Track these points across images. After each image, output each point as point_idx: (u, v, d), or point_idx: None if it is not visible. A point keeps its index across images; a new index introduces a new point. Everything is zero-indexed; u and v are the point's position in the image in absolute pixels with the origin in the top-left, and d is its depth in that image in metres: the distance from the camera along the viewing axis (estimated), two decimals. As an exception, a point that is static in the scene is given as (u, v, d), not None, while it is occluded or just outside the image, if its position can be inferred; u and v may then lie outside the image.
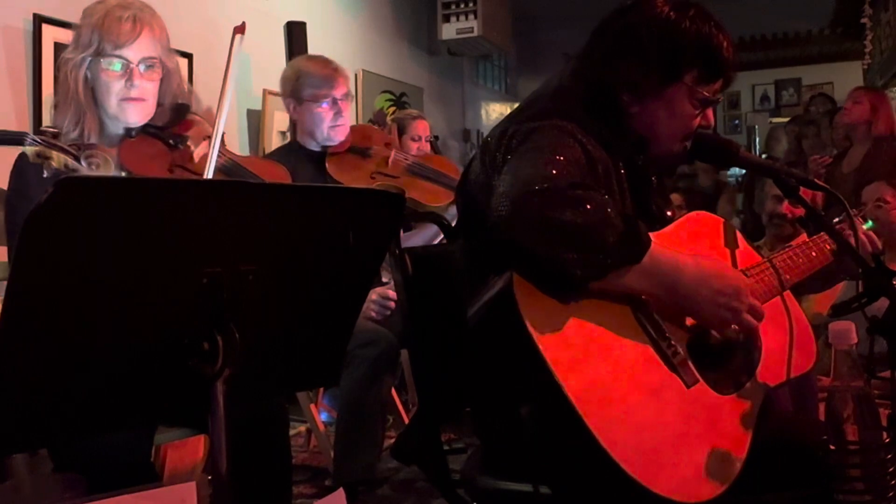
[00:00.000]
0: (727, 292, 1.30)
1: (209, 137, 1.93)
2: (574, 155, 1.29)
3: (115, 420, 1.07)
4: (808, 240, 1.61)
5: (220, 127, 1.84)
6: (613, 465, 1.15)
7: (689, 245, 1.42)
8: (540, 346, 1.18)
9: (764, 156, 5.75)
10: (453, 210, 2.61)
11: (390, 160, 2.75)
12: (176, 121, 1.93)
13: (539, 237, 1.17)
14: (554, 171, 1.22)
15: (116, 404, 1.03)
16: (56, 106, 1.84)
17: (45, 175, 1.67)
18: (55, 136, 1.64)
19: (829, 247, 1.59)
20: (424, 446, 1.54)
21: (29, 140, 1.53)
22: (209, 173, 1.82)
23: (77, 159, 1.61)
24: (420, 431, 1.58)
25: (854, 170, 3.88)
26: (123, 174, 1.86)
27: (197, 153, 1.94)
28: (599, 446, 1.15)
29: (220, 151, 1.99)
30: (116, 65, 1.80)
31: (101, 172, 1.64)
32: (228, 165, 2.06)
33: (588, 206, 1.18)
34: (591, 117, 1.41)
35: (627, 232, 1.21)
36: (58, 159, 1.63)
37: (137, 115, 1.85)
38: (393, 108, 5.55)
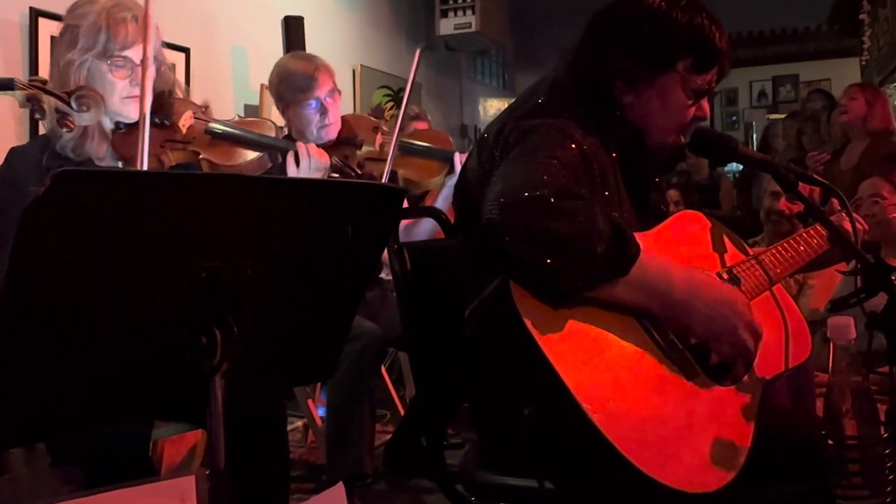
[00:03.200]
0: (722, 300, 1.29)
1: (193, 107, 2.04)
2: (568, 157, 1.29)
3: (112, 414, 1.07)
4: (796, 234, 1.62)
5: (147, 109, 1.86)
6: (620, 459, 1.15)
7: (678, 245, 1.42)
8: (541, 344, 1.18)
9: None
10: (452, 180, 2.56)
11: (377, 144, 2.69)
12: (159, 104, 1.97)
13: (526, 247, 1.18)
14: (545, 177, 1.22)
15: (114, 398, 1.03)
16: None
17: (46, 144, 1.68)
18: (44, 82, 1.65)
19: (816, 240, 1.60)
20: (419, 446, 1.54)
21: (18, 84, 1.53)
22: (143, 161, 1.82)
23: (67, 102, 1.62)
24: (408, 438, 1.58)
25: (852, 167, 3.87)
26: (120, 164, 1.88)
27: (183, 124, 1.98)
28: (606, 441, 1.15)
29: (208, 118, 2.07)
30: (122, 65, 1.82)
31: (93, 114, 1.65)
32: (225, 129, 2.12)
33: (576, 217, 1.19)
34: (586, 112, 1.41)
35: (616, 242, 1.21)
36: (48, 102, 1.64)
37: (138, 112, 1.88)
38: (391, 104, 5.54)
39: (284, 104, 2.73)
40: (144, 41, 1.73)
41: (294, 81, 2.67)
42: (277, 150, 2.24)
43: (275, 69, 2.82)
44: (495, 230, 1.20)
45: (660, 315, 1.29)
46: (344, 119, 2.76)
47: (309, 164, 2.27)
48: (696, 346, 1.33)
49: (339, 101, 2.75)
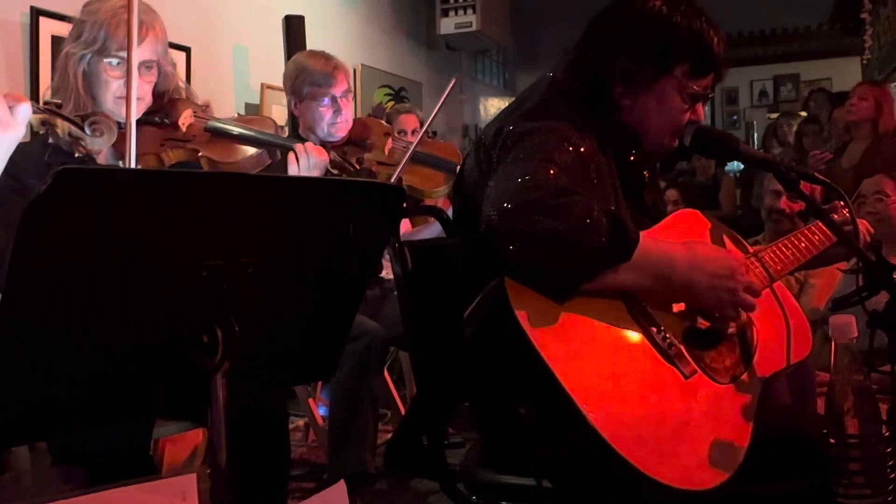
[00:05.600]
0: (722, 273, 1.32)
1: (194, 105, 2.04)
2: (565, 160, 1.30)
3: (114, 412, 1.07)
4: (797, 231, 1.62)
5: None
6: (617, 457, 1.15)
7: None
8: (536, 344, 1.19)
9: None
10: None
11: (386, 149, 2.72)
12: (160, 104, 1.98)
13: (527, 249, 1.20)
14: (542, 180, 1.24)
15: (115, 396, 1.03)
16: (53, 93, 1.85)
17: (49, 141, 1.69)
18: (58, 106, 1.66)
19: (817, 237, 1.60)
20: (420, 445, 1.54)
21: (33, 109, 1.54)
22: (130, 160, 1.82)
23: (81, 128, 1.63)
24: (409, 437, 1.58)
25: (854, 166, 3.87)
26: (120, 163, 1.88)
27: (183, 122, 1.99)
28: (602, 439, 1.15)
29: (207, 116, 2.08)
30: (119, 65, 1.83)
31: (106, 140, 1.66)
32: (224, 126, 2.13)
33: (573, 212, 1.20)
34: (584, 113, 1.42)
35: (614, 231, 1.23)
36: (62, 127, 1.65)
37: (133, 113, 1.88)
38: (392, 103, 5.54)
39: (298, 99, 2.75)
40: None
41: (311, 77, 2.71)
42: (276, 146, 2.24)
43: (291, 64, 2.86)
44: (496, 236, 1.22)
45: (662, 293, 1.31)
46: (357, 121, 2.78)
47: (308, 161, 2.27)
48: (691, 340, 1.33)
49: (351, 101, 2.78)
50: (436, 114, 2.72)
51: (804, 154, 4.76)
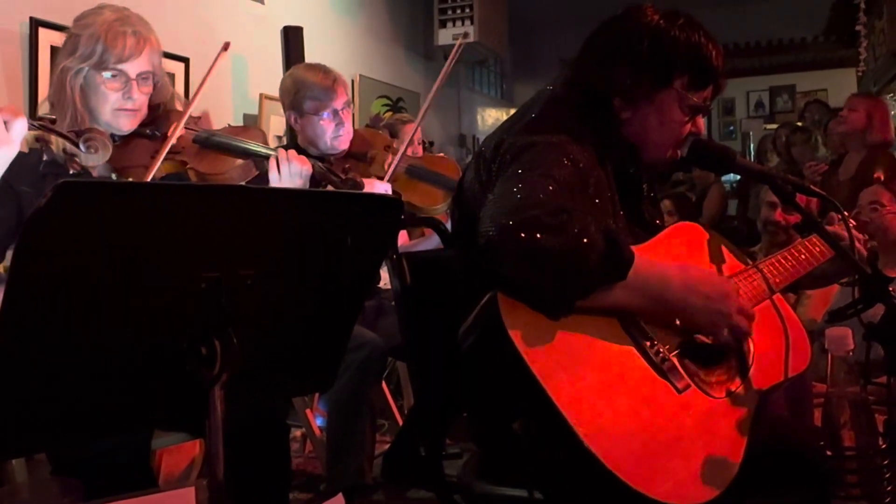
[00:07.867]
0: (715, 296, 1.32)
1: (183, 117, 2.03)
2: (564, 175, 1.31)
3: (112, 424, 1.07)
4: (797, 243, 1.63)
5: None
6: (606, 473, 1.15)
7: (675, 258, 1.43)
8: (527, 360, 1.19)
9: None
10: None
11: (386, 163, 2.70)
12: (153, 116, 1.98)
13: (524, 265, 1.20)
14: (540, 196, 1.24)
15: (114, 408, 1.03)
16: (50, 107, 1.86)
17: (44, 158, 1.70)
18: (52, 121, 1.66)
19: (818, 249, 1.61)
20: (418, 456, 1.54)
21: (28, 125, 1.54)
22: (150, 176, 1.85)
23: (76, 144, 1.63)
24: (407, 448, 1.58)
25: (850, 177, 3.88)
26: (114, 176, 1.88)
27: (173, 133, 1.99)
28: (591, 454, 1.16)
29: (197, 128, 2.09)
30: (116, 77, 1.83)
31: (100, 156, 1.65)
32: (211, 137, 2.12)
33: (569, 231, 1.20)
34: (583, 126, 1.43)
35: (609, 251, 1.23)
36: (56, 143, 1.65)
37: (129, 125, 1.90)
38: (389, 113, 5.55)
39: (298, 114, 2.73)
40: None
41: (311, 91, 2.69)
42: (263, 157, 2.22)
43: (288, 79, 2.82)
44: (493, 251, 1.22)
45: (655, 313, 1.30)
46: (357, 133, 2.76)
47: (289, 169, 2.23)
48: (686, 353, 1.33)
49: (351, 113, 2.77)
50: (427, 109, 2.70)
51: (794, 164, 4.78)
